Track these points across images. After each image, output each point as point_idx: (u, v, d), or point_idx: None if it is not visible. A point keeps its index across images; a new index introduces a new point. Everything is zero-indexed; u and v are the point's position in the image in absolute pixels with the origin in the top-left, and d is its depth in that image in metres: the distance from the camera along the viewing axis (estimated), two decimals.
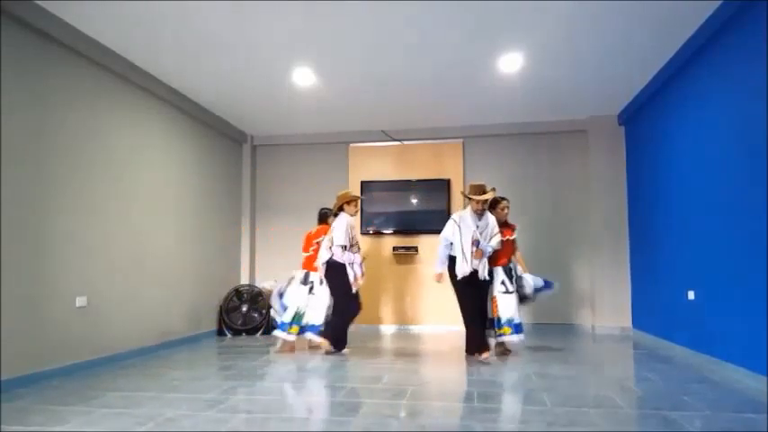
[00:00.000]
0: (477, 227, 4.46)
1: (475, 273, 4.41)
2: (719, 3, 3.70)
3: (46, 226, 3.82)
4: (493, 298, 4.64)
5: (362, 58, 4.67)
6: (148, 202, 5.05)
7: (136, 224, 4.83)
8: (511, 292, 4.61)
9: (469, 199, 4.49)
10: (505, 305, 4.56)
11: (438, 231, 6.66)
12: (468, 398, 3.23)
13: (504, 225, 4.71)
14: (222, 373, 3.99)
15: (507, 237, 4.70)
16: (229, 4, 3.73)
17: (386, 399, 3.15)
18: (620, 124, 6.30)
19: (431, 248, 6.64)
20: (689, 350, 4.42)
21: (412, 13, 3.88)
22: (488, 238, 4.50)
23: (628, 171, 6.21)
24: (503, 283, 4.62)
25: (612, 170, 6.28)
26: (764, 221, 3.30)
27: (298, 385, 3.70)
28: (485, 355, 4.32)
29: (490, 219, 4.56)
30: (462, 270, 4.40)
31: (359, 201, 5.07)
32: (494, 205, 4.71)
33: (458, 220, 4.54)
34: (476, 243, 4.42)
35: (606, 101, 5.84)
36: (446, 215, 6.61)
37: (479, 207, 4.47)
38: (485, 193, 4.46)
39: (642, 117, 5.68)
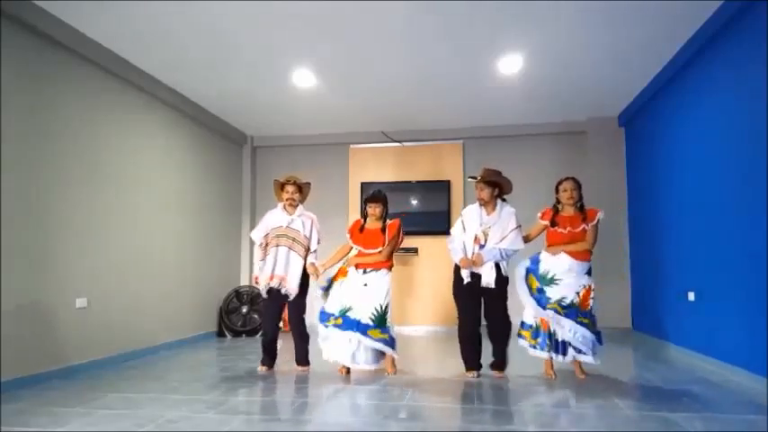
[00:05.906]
0: (482, 223, 3.71)
1: (478, 280, 3.67)
2: (719, 3, 3.71)
3: (46, 227, 3.83)
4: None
5: (362, 59, 4.68)
6: (149, 204, 5.05)
7: (136, 225, 4.84)
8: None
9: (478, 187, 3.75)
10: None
11: (438, 233, 6.62)
12: (468, 398, 3.24)
13: (577, 213, 3.78)
14: (222, 375, 3.99)
15: (562, 227, 3.77)
16: (230, 7, 3.74)
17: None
18: (620, 125, 6.30)
19: (431, 250, 6.65)
20: (689, 350, 4.42)
21: (411, 14, 3.89)
22: (499, 237, 3.66)
23: (628, 172, 6.22)
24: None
25: (612, 171, 6.28)
26: (764, 222, 3.31)
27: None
28: (498, 375, 3.78)
29: (504, 213, 3.72)
30: (464, 274, 3.72)
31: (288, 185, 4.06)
32: (557, 189, 3.88)
33: (463, 216, 3.83)
34: (479, 243, 3.68)
35: (606, 102, 5.85)
36: (446, 216, 6.63)
37: (481, 196, 3.70)
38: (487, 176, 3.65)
39: (642, 118, 5.68)
